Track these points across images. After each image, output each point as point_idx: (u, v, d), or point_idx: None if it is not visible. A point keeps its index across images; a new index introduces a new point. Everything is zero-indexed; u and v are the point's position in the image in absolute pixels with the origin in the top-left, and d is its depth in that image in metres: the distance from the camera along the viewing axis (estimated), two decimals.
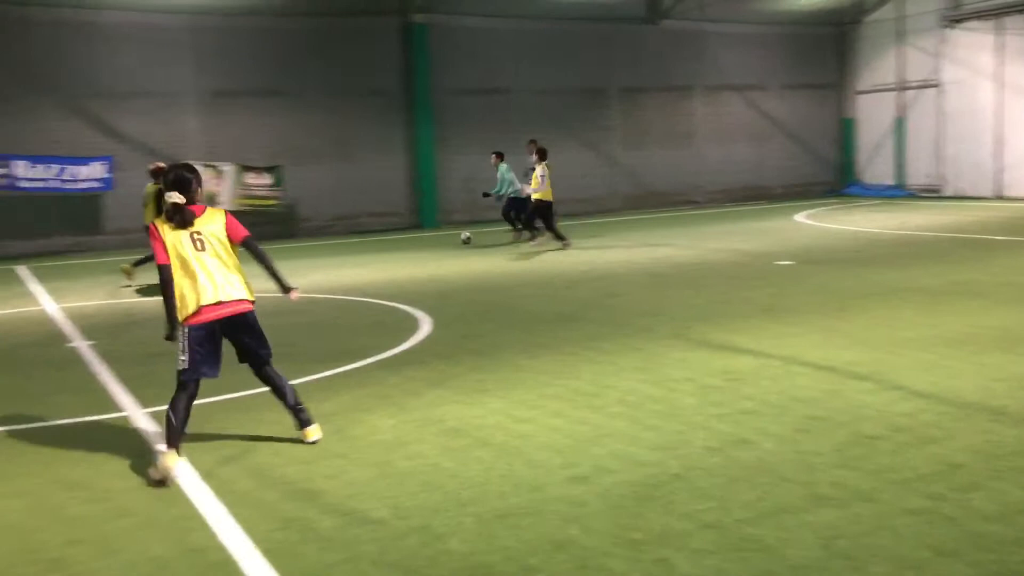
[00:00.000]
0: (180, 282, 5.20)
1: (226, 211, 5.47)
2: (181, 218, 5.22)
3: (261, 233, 19.73)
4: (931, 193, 25.25)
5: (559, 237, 15.96)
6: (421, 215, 22.30)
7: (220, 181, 19.89)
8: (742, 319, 8.92)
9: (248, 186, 19.95)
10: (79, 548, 4.11)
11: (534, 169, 16.01)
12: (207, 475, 5.00)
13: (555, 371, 7.11)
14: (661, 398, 6.20)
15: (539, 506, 4.38)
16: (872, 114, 27.09)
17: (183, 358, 5.20)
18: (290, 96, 20.98)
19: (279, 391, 5.59)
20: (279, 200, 20.19)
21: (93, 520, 4.44)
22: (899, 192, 25.92)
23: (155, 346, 8.86)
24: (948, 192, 24.91)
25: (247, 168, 19.99)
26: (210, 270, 5.22)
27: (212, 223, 5.32)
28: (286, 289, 5.64)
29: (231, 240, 5.37)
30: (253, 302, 5.43)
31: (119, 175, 19.19)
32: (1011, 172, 23.50)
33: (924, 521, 4.01)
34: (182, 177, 5.30)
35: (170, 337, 5.26)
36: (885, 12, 26.26)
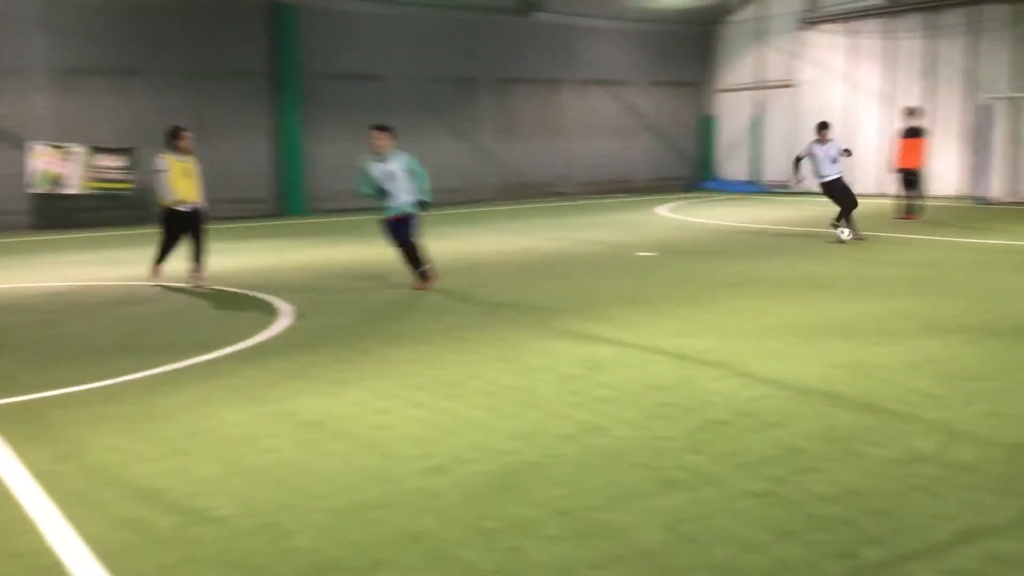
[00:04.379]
0: None
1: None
2: None
3: (114, 218, 18.91)
4: (784, 189, 26.40)
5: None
6: (287, 202, 21.74)
7: (68, 163, 18.86)
8: (603, 309, 9.07)
9: (99, 168, 19.06)
10: None
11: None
12: (40, 475, 4.69)
13: (418, 361, 7.05)
14: (521, 387, 6.23)
15: (393, 499, 4.31)
16: (732, 112, 28.09)
17: None
18: (148, 75, 20.04)
19: None
20: (133, 184, 19.29)
21: None
22: (754, 188, 26.98)
23: None
24: (799, 188, 26.08)
25: (100, 150, 19.06)
26: None
27: None
28: None
29: None
30: None
31: None
32: (857, 170, 24.81)
33: (765, 504, 4.17)
34: None
35: None
36: (746, 13, 27.25)
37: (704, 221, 18.28)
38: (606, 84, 26.81)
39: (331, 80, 22.14)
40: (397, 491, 4.40)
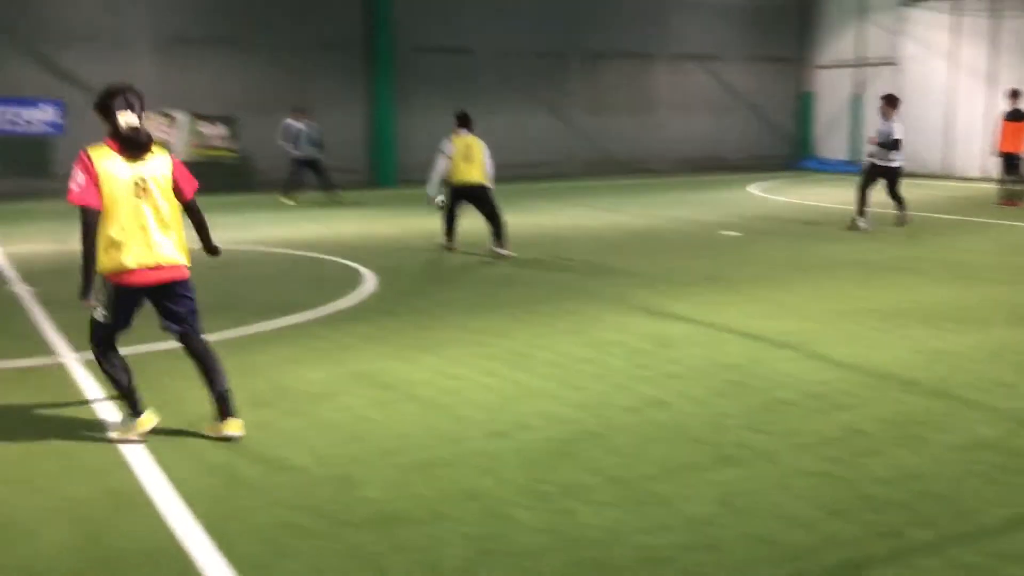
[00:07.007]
0: (108, 232, 4.46)
1: (171, 154, 4.77)
2: (137, 146, 4.44)
3: (217, 185, 19.64)
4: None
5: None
6: (380, 174, 22.22)
7: (173, 130, 19.68)
8: (681, 287, 9.11)
9: (203, 136, 19.82)
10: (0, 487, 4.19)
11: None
12: None
13: (493, 331, 7.25)
14: (591, 360, 6.37)
15: (457, 459, 4.53)
16: (830, 89, 27.35)
17: (105, 313, 4.62)
18: (247, 45, 20.70)
19: (209, 371, 4.80)
20: (234, 151, 20.03)
21: (18, 460, 4.51)
22: (853, 167, 26.21)
23: None
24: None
25: (201, 117, 19.82)
26: (147, 224, 4.50)
27: (158, 165, 4.59)
28: (213, 250, 5.08)
29: (178, 192, 4.67)
30: (189, 267, 4.76)
31: (70, 120, 18.88)
32: (958, 151, 23.96)
33: (820, 482, 4.22)
34: (134, 97, 4.51)
35: (86, 296, 4.60)
36: None
37: (796, 201, 17.97)
38: (700, 59, 26.42)
39: (423, 53, 22.44)
40: (461, 452, 4.62)
